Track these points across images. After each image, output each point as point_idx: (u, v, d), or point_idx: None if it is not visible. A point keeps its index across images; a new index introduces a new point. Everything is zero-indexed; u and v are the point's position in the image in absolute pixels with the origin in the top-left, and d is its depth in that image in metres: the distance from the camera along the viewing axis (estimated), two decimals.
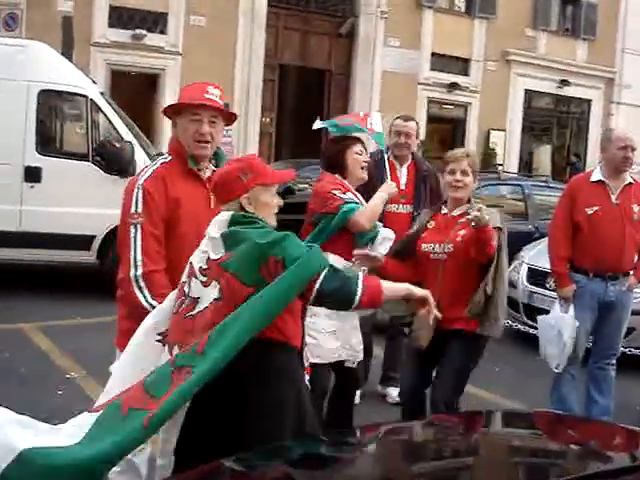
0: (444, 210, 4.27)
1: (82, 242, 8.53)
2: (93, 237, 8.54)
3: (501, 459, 2.43)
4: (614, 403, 5.47)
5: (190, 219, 3.16)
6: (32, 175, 8.39)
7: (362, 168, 4.38)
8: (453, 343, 4.07)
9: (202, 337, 2.65)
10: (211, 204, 3.20)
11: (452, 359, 4.08)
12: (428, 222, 4.24)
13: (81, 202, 8.43)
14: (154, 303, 3.02)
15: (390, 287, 2.83)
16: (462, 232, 4.00)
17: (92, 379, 5.86)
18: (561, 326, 5.19)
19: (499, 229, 3.98)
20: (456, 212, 4.18)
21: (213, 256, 2.80)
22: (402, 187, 5.57)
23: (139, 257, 3.10)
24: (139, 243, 3.11)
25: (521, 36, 21.66)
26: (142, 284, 3.08)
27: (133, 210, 3.16)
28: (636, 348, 6.61)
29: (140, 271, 3.08)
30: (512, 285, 8.20)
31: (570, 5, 22.80)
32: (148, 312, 3.00)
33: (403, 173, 5.68)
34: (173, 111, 3.36)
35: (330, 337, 4.08)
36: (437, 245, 4.07)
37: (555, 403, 5.40)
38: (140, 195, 3.18)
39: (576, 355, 5.28)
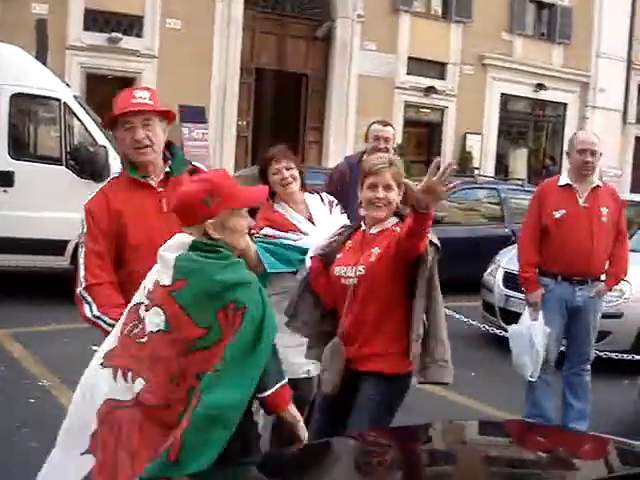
0: (364, 227, 3.59)
1: (56, 247, 8.45)
2: (67, 242, 8.46)
3: (473, 470, 2.41)
4: (591, 407, 5.48)
5: (139, 229, 3.20)
6: (4, 179, 8.31)
7: (283, 186, 4.12)
8: (365, 389, 3.41)
9: (171, 441, 2.37)
10: (163, 208, 3.23)
11: (362, 411, 3.38)
12: (345, 241, 3.60)
13: (55, 206, 8.36)
14: (97, 313, 3.12)
15: (292, 411, 2.78)
16: (376, 250, 3.39)
17: (65, 387, 5.78)
18: (532, 334, 5.17)
19: (435, 246, 3.31)
20: (374, 230, 3.51)
21: (163, 281, 2.62)
22: None
23: (82, 274, 3.21)
24: (82, 261, 3.23)
25: (497, 40, 21.76)
26: (88, 299, 3.18)
27: (80, 232, 3.28)
28: (612, 352, 6.63)
29: (83, 286, 3.19)
30: (488, 289, 8.25)
31: (546, 10, 22.97)
32: (92, 323, 3.13)
33: None
34: (109, 126, 3.37)
35: (297, 352, 3.99)
36: (349, 268, 3.44)
37: (530, 407, 5.41)
38: (84, 216, 3.27)
39: (547, 361, 5.27)
